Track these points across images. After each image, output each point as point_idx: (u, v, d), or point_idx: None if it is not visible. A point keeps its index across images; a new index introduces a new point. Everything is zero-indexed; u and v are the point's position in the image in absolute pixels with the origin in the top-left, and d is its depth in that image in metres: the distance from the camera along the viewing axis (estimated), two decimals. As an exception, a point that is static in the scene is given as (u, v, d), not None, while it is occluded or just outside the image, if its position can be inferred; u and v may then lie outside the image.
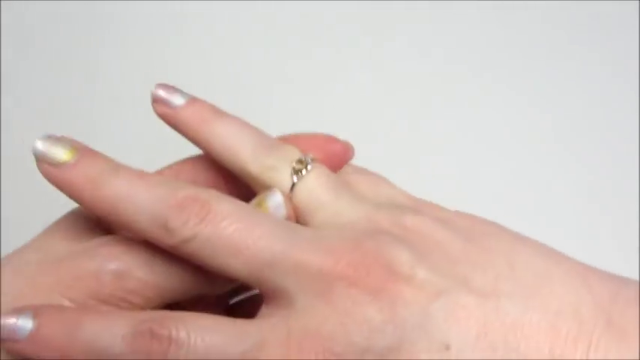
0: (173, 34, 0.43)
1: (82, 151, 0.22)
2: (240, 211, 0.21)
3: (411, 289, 0.19)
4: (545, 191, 0.39)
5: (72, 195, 0.22)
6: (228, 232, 0.20)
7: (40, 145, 0.22)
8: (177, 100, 0.24)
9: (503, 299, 0.19)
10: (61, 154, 0.22)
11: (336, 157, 0.25)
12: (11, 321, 0.21)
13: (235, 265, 0.21)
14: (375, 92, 0.42)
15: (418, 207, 0.23)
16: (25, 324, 0.21)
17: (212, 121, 0.24)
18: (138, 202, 0.21)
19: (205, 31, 0.44)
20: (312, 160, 0.23)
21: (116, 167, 0.22)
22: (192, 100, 0.25)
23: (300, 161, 0.23)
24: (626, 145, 0.40)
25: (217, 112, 0.25)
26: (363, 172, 0.25)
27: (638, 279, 0.20)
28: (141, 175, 0.22)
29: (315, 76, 0.42)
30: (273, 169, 0.23)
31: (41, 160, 0.22)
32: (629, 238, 0.37)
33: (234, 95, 0.41)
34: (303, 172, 0.23)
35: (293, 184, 0.23)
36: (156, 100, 0.24)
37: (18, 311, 0.21)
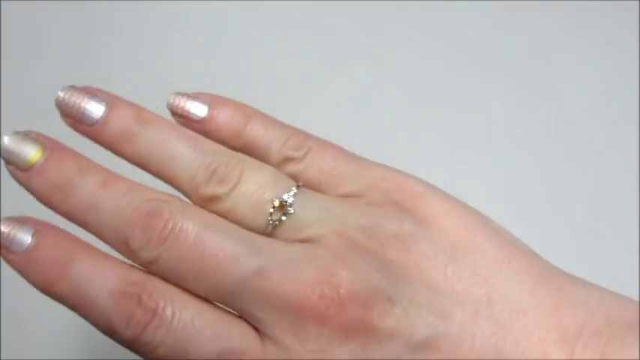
0: (173, 33, 0.43)
1: (50, 150, 0.20)
2: (205, 228, 0.19)
3: (386, 329, 0.18)
4: (545, 191, 0.39)
5: (43, 203, 0.20)
6: (190, 256, 0.19)
7: (6, 144, 0.20)
8: (95, 112, 0.21)
9: (477, 339, 0.19)
10: (28, 154, 0.20)
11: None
12: (9, 230, 0.19)
13: (201, 289, 0.19)
14: (374, 92, 0.42)
15: (397, 202, 0.21)
16: (23, 238, 0.19)
17: (134, 137, 0.21)
18: (101, 214, 0.20)
19: (204, 30, 0.44)
20: (296, 192, 0.20)
21: (83, 170, 0.20)
22: (110, 110, 0.21)
23: (281, 206, 0.20)
24: (626, 145, 0.40)
25: (139, 119, 0.21)
26: (322, 148, 0.22)
27: (614, 291, 0.20)
28: (104, 182, 0.20)
29: (314, 76, 0.42)
30: (217, 200, 0.20)
31: (8, 161, 0.20)
32: (629, 238, 0.37)
33: (233, 95, 0.41)
34: (283, 218, 0.20)
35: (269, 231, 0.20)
36: (65, 114, 0.21)
37: (20, 222, 0.20)
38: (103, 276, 0.19)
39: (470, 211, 0.21)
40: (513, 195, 0.39)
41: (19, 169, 0.20)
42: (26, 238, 0.19)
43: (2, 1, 0.43)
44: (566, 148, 0.40)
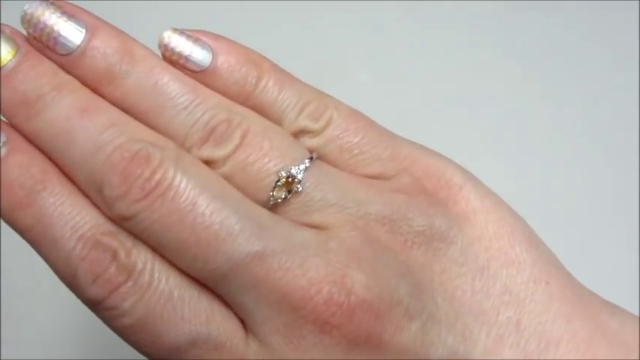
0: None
1: (24, 54, 0.16)
2: (203, 189, 0.15)
3: (397, 346, 0.15)
4: (545, 191, 0.39)
5: (5, 117, 0.16)
6: (177, 221, 0.15)
7: None
8: (71, 39, 0.17)
9: None
10: None
11: None
12: None
13: (181, 262, 0.15)
14: (374, 93, 0.42)
15: (429, 191, 0.18)
16: None
17: (117, 78, 0.17)
18: (74, 146, 0.15)
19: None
20: (308, 166, 0.17)
21: (61, 87, 0.16)
22: (90, 38, 0.17)
23: (287, 182, 0.16)
24: (626, 145, 0.40)
25: (125, 54, 0.17)
26: (346, 120, 0.18)
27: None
28: (85, 106, 0.16)
29: (314, 77, 0.42)
30: (212, 165, 0.17)
31: None
32: (629, 237, 0.37)
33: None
34: (288, 196, 0.16)
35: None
36: (33, 35, 0.17)
37: None
38: (75, 215, 0.15)
39: (510, 212, 0.18)
40: (513, 195, 0.39)
41: None
42: None
43: (2, 1, 0.43)
44: (566, 149, 0.40)
